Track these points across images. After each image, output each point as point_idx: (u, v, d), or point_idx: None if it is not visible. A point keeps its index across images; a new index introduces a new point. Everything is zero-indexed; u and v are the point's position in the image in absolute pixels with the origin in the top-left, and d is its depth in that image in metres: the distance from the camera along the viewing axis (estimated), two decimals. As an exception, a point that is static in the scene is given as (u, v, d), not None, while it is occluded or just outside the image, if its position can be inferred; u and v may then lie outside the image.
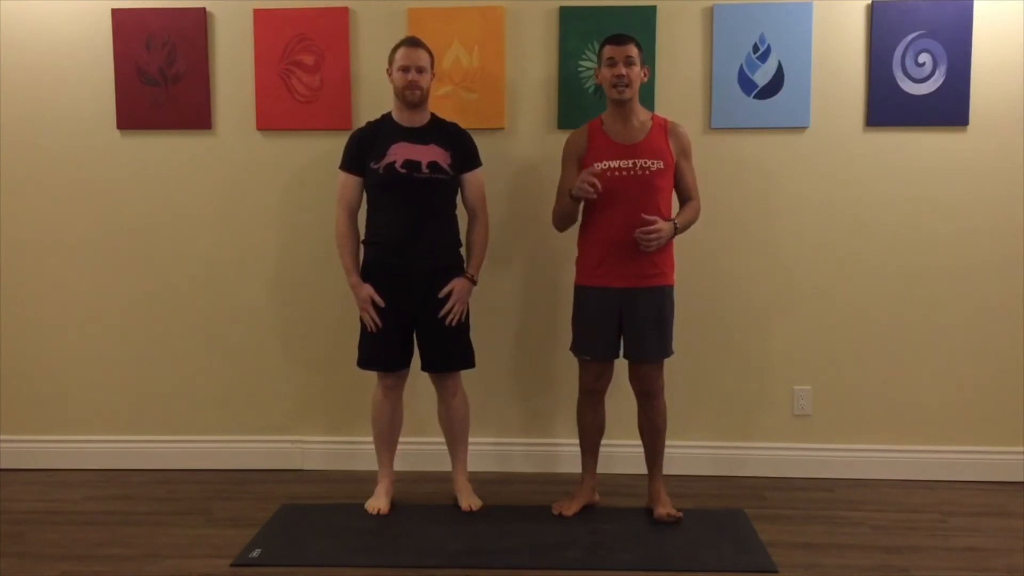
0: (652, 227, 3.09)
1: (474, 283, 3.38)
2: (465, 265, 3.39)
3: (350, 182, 3.35)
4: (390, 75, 3.30)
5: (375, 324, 3.30)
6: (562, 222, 3.34)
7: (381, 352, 3.34)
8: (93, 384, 3.91)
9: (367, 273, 3.34)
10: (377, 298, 3.29)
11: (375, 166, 3.27)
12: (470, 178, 3.37)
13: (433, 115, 3.38)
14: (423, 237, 3.28)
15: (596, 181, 3.07)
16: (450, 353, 3.37)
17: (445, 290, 3.30)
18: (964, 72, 3.60)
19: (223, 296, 3.85)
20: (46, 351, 3.90)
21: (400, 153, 3.26)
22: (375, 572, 2.90)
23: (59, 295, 3.88)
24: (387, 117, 3.37)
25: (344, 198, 3.35)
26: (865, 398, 3.76)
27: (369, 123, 3.39)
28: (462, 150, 3.35)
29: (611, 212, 3.18)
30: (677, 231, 3.20)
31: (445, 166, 3.29)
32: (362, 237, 3.38)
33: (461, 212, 3.42)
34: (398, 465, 3.53)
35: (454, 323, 3.32)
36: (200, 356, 3.88)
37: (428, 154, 3.28)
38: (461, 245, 3.41)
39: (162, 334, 3.88)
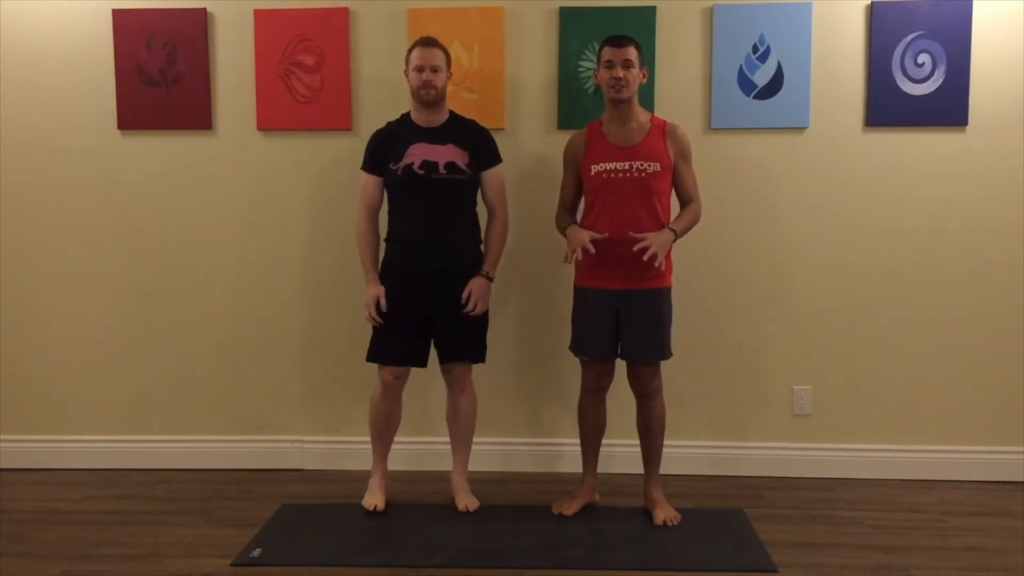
0: (641, 244, 3.08)
1: (490, 280, 3.37)
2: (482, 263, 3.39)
3: (370, 183, 3.36)
4: (407, 75, 3.30)
5: (377, 321, 3.30)
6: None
7: (388, 345, 3.33)
8: (93, 384, 3.91)
9: (386, 270, 3.35)
10: (383, 302, 3.29)
11: (394, 167, 3.28)
12: (489, 176, 3.37)
13: (452, 113, 3.38)
14: (441, 237, 3.29)
15: (588, 249, 3.10)
16: (462, 344, 3.37)
17: (465, 293, 3.29)
18: (963, 72, 3.60)
19: (223, 296, 3.85)
20: (46, 351, 3.90)
21: (418, 154, 3.27)
22: (375, 572, 2.91)
23: (59, 295, 3.88)
24: (406, 117, 3.37)
25: (365, 199, 3.36)
26: (865, 398, 3.76)
27: (389, 123, 3.39)
28: (480, 149, 3.35)
29: (608, 214, 3.19)
30: (677, 236, 3.19)
31: (463, 166, 3.29)
32: (384, 235, 3.39)
33: (482, 209, 3.41)
34: (399, 464, 3.53)
35: (474, 313, 3.31)
36: (200, 356, 3.88)
37: (446, 154, 3.28)
38: (481, 243, 3.41)
39: (162, 334, 3.88)
